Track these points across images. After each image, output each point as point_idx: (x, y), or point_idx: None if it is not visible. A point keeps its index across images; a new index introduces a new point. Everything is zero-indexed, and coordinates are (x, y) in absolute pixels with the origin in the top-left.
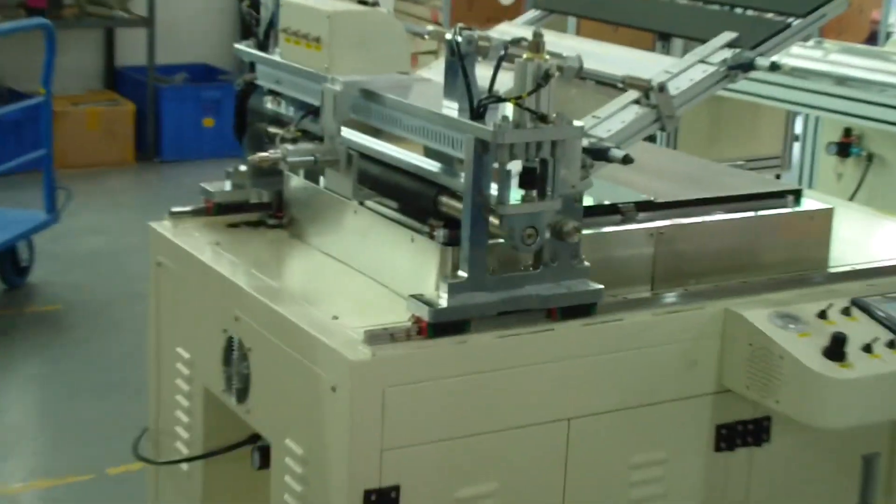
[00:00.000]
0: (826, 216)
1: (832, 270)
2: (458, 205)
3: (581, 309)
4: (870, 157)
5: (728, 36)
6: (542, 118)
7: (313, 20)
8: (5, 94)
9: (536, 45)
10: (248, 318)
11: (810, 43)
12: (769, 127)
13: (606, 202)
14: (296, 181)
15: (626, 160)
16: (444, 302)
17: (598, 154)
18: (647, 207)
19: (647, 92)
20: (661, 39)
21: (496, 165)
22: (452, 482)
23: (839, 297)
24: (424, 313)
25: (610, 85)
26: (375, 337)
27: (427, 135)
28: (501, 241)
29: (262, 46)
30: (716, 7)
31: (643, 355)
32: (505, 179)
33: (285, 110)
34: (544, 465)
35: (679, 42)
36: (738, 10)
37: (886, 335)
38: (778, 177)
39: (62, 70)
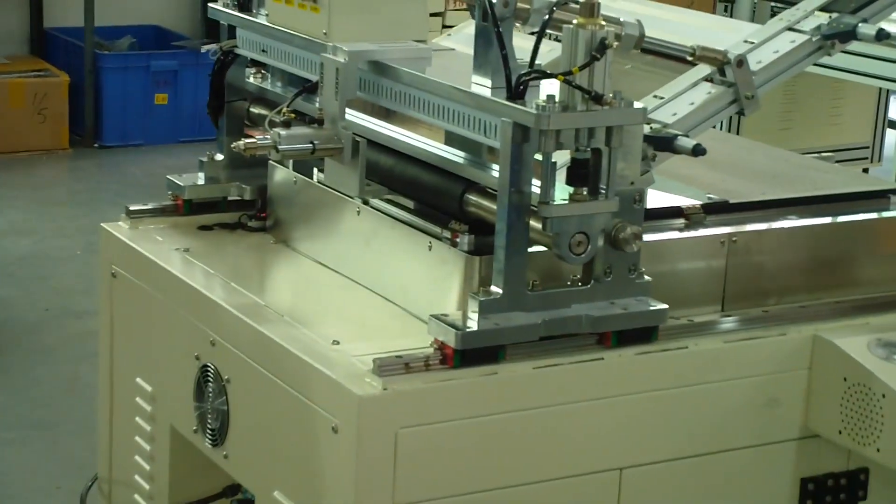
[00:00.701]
0: None
1: None
2: (491, 204)
3: (640, 333)
4: None
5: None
6: (597, 98)
7: None
8: None
9: (590, 7)
10: (226, 343)
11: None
12: (855, 109)
13: (667, 203)
14: (283, 174)
15: (697, 151)
16: (473, 324)
17: (662, 143)
18: (718, 210)
19: (723, 67)
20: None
21: (539, 156)
22: None
23: None
24: (450, 338)
25: (675, 58)
26: (386, 367)
27: (452, 118)
28: (543, 249)
29: (244, 7)
30: None
31: (712, 392)
32: (550, 174)
33: (272, 86)
34: None
35: (746, 4)
36: None
37: None
38: (865, 170)
39: None
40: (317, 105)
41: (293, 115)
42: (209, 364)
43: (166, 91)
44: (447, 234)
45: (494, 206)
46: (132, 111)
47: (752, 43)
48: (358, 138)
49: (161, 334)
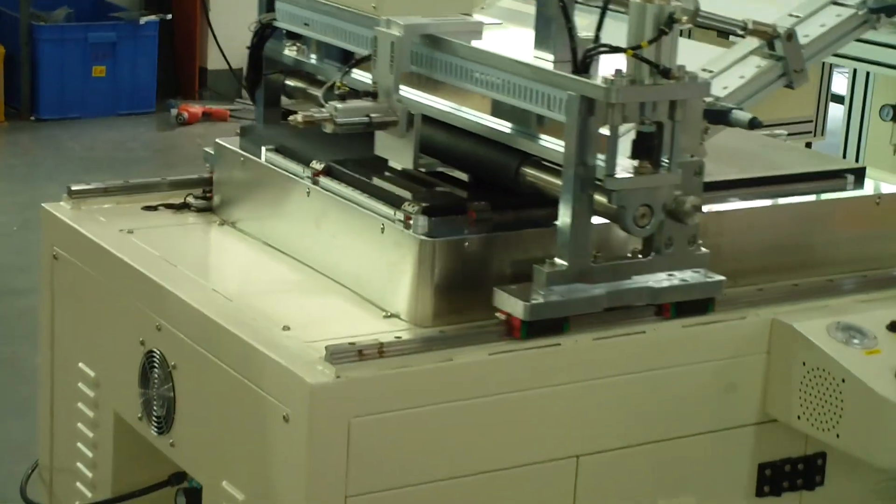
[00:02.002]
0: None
1: None
2: (548, 177)
3: (698, 305)
4: None
5: None
6: (665, 73)
7: None
8: None
9: None
10: (172, 328)
11: None
12: None
13: None
14: (229, 153)
15: (754, 124)
16: (540, 296)
17: (718, 116)
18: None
19: (772, 40)
20: None
21: (604, 130)
22: None
23: None
24: (518, 309)
25: (725, 31)
26: (339, 354)
27: (512, 91)
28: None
29: None
30: None
31: (670, 377)
32: (613, 147)
33: (307, 58)
34: None
35: None
36: None
37: None
38: (808, 144)
39: None
40: (370, 79)
41: (347, 89)
42: (155, 350)
43: (104, 63)
44: (400, 216)
45: (552, 179)
46: (69, 84)
47: (798, 17)
48: (412, 111)
49: (105, 318)
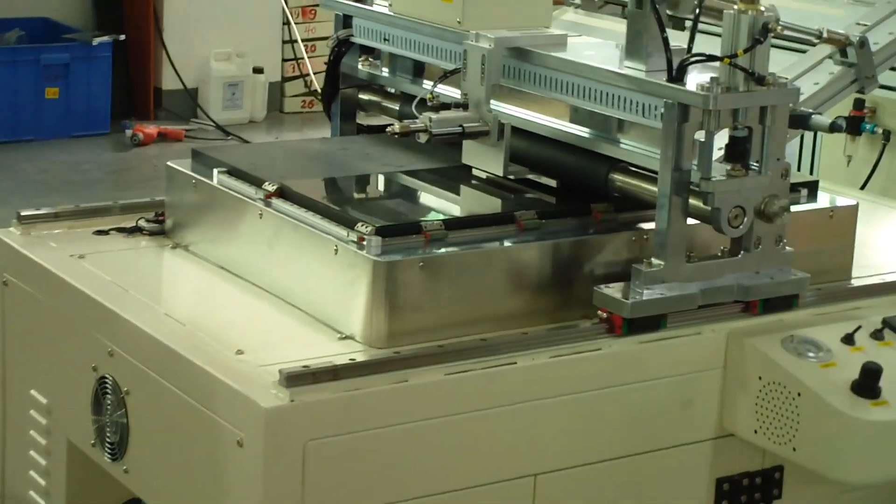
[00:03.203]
0: (850, 215)
1: (858, 283)
2: (638, 182)
3: (784, 301)
4: (887, 136)
5: None
6: (760, 80)
7: None
8: None
9: None
10: (125, 354)
11: None
12: None
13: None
14: (181, 175)
15: (835, 128)
16: (643, 294)
17: (799, 121)
18: (629, 208)
19: (845, 48)
20: None
21: (700, 136)
22: None
23: (868, 316)
24: (620, 308)
25: (801, 40)
26: (294, 377)
27: (606, 100)
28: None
29: None
30: None
31: (627, 393)
32: (709, 151)
33: (380, 72)
34: None
35: None
36: None
37: None
38: None
39: None
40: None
41: (438, 101)
42: (107, 375)
43: (57, 85)
44: (354, 236)
45: (641, 184)
46: (22, 106)
47: (867, 25)
48: (503, 121)
49: (57, 345)
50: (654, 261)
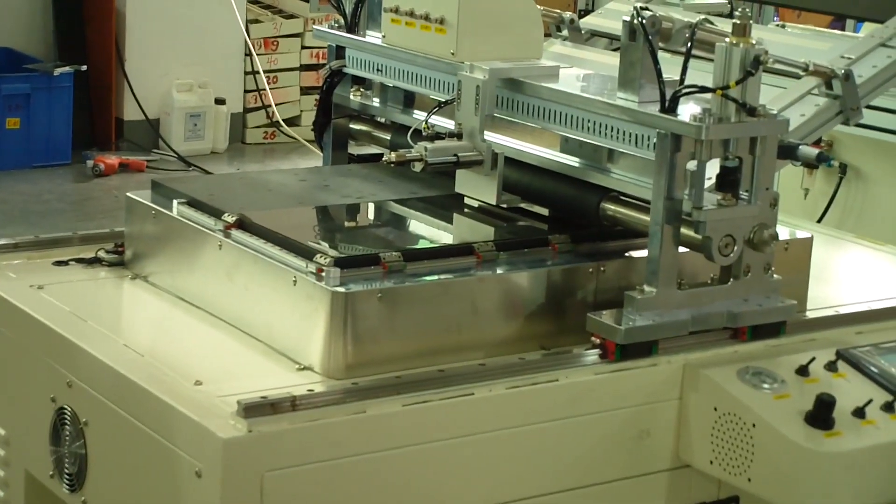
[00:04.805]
0: (804, 247)
1: (813, 315)
2: (629, 211)
3: (771, 328)
4: (843, 170)
5: None
6: (751, 111)
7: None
8: None
9: (743, 28)
10: (84, 384)
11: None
12: None
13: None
14: (140, 206)
15: (821, 158)
16: (636, 321)
17: (787, 152)
18: (588, 238)
19: (830, 80)
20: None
21: (692, 166)
22: None
23: (822, 348)
24: (614, 334)
25: (788, 74)
26: (252, 408)
27: (596, 130)
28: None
29: (350, 28)
30: None
31: (583, 424)
32: (701, 181)
33: (371, 102)
34: None
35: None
36: None
37: (882, 396)
38: None
39: None
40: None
41: (433, 131)
42: (66, 406)
43: (18, 115)
44: (312, 267)
45: (633, 213)
46: None
47: (851, 58)
48: (497, 151)
49: (14, 375)
50: (647, 288)
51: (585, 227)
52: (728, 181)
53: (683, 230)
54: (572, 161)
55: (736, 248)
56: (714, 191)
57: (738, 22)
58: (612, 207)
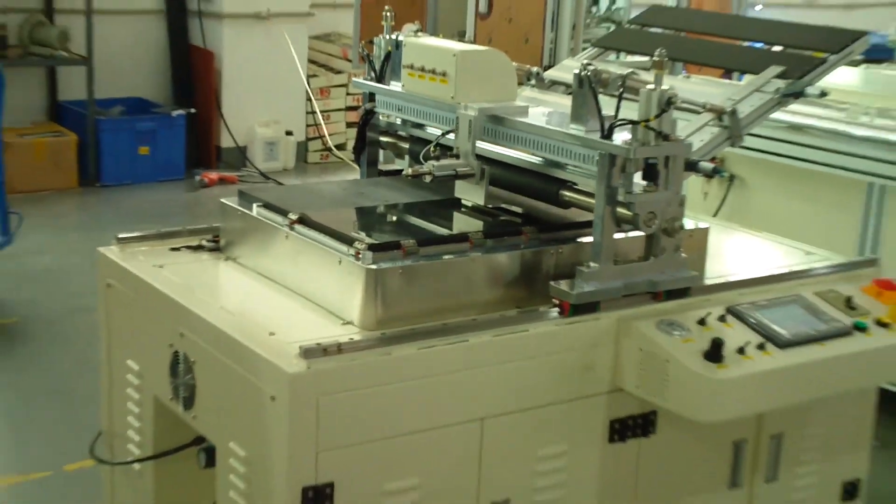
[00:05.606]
0: (703, 234)
1: (709, 282)
2: (579, 196)
3: (682, 291)
4: (731, 179)
5: (776, 69)
6: (665, 137)
7: (440, 58)
8: None
9: (660, 78)
10: (191, 335)
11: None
12: None
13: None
14: (230, 209)
15: (715, 171)
16: (585, 287)
17: (691, 166)
18: (548, 229)
19: (721, 115)
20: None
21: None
22: (380, 477)
23: (716, 305)
24: (569, 297)
25: (691, 110)
26: (310, 351)
27: (556, 152)
28: (619, 237)
29: (379, 80)
30: (761, 46)
31: (548, 360)
32: (630, 182)
33: (396, 121)
34: (462, 459)
35: None
36: (779, 49)
37: (757, 339)
38: None
39: (9, 105)
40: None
41: (438, 152)
42: (179, 350)
43: (148, 144)
44: (352, 251)
45: (581, 197)
46: (123, 160)
47: (735, 100)
48: (484, 166)
49: (144, 328)
50: (592, 264)
51: (547, 221)
52: (651, 174)
53: (620, 211)
54: (539, 161)
55: (657, 221)
56: (643, 180)
57: (656, 74)
58: (568, 194)
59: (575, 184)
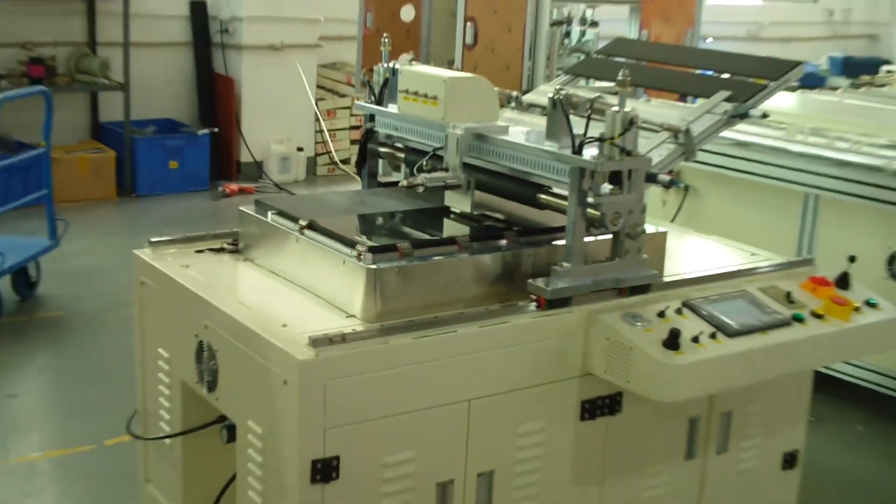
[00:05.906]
0: (662, 238)
1: (667, 280)
2: (554, 199)
3: (643, 287)
4: (686, 189)
5: (724, 94)
6: (628, 153)
7: (432, 84)
8: (14, 145)
9: (624, 101)
10: (214, 326)
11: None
12: None
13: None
14: (248, 216)
15: (672, 182)
16: (558, 284)
17: (650, 178)
18: (528, 233)
19: (677, 134)
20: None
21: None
22: (380, 451)
23: (673, 300)
24: (545, 293)
25: (650, 129)
26: (318, 341)
27: (533, 165)
28: (588, 240)
29: (378, 102)
30: (711, 74)
31: (527, 347)
32: (598, 188)
33: (394, 133)
34: (452, 435)
35: None
36: (727, 76)
37: (709, 329)
38: None
39: (57, 125)
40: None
41: (430, 165)
42: (204, 340)
43: (177, 159)
44: (354, 253)
45: (555, 199)
46: (155, 173)
47: (688, 120)
48: (471, 178)
49: (173, 320)
50: (565, 264)
51: (526, 227)
52: (615, 179)
53: (590, 212)
54: (522, 171)
55: (621, 221)
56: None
57: (620, 98)
58: (544, 197)
59: (550, 187)
